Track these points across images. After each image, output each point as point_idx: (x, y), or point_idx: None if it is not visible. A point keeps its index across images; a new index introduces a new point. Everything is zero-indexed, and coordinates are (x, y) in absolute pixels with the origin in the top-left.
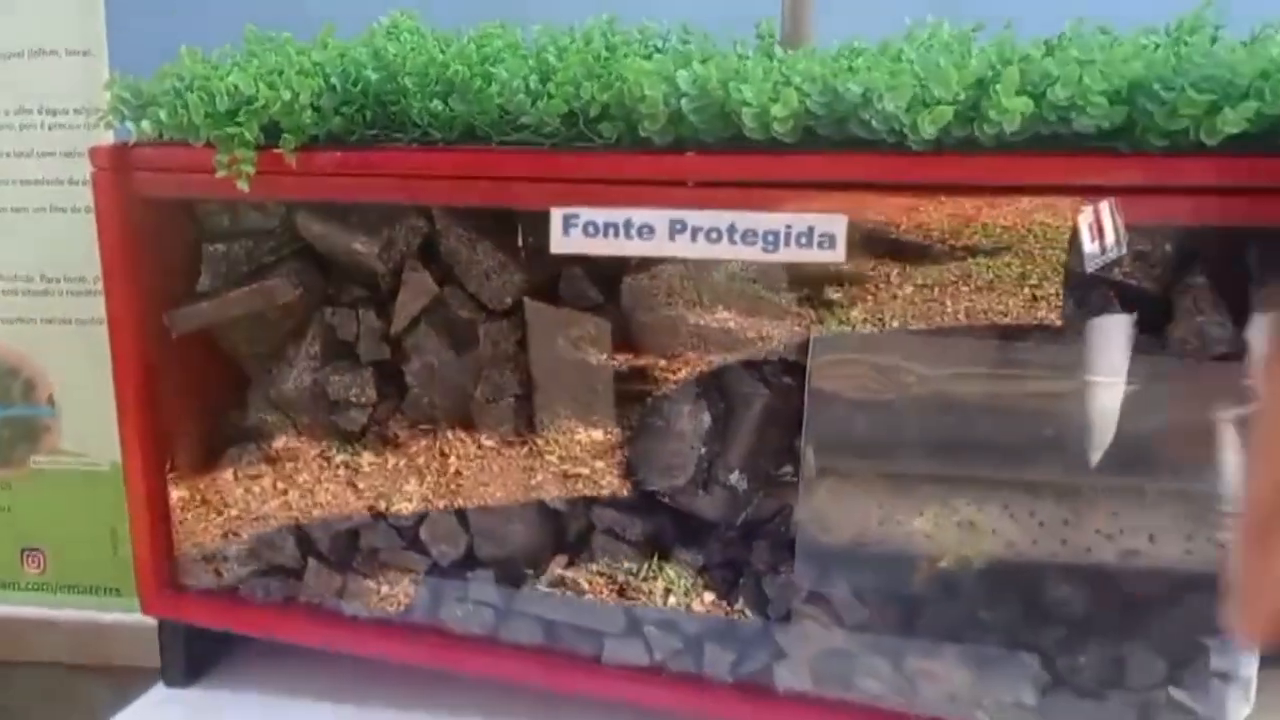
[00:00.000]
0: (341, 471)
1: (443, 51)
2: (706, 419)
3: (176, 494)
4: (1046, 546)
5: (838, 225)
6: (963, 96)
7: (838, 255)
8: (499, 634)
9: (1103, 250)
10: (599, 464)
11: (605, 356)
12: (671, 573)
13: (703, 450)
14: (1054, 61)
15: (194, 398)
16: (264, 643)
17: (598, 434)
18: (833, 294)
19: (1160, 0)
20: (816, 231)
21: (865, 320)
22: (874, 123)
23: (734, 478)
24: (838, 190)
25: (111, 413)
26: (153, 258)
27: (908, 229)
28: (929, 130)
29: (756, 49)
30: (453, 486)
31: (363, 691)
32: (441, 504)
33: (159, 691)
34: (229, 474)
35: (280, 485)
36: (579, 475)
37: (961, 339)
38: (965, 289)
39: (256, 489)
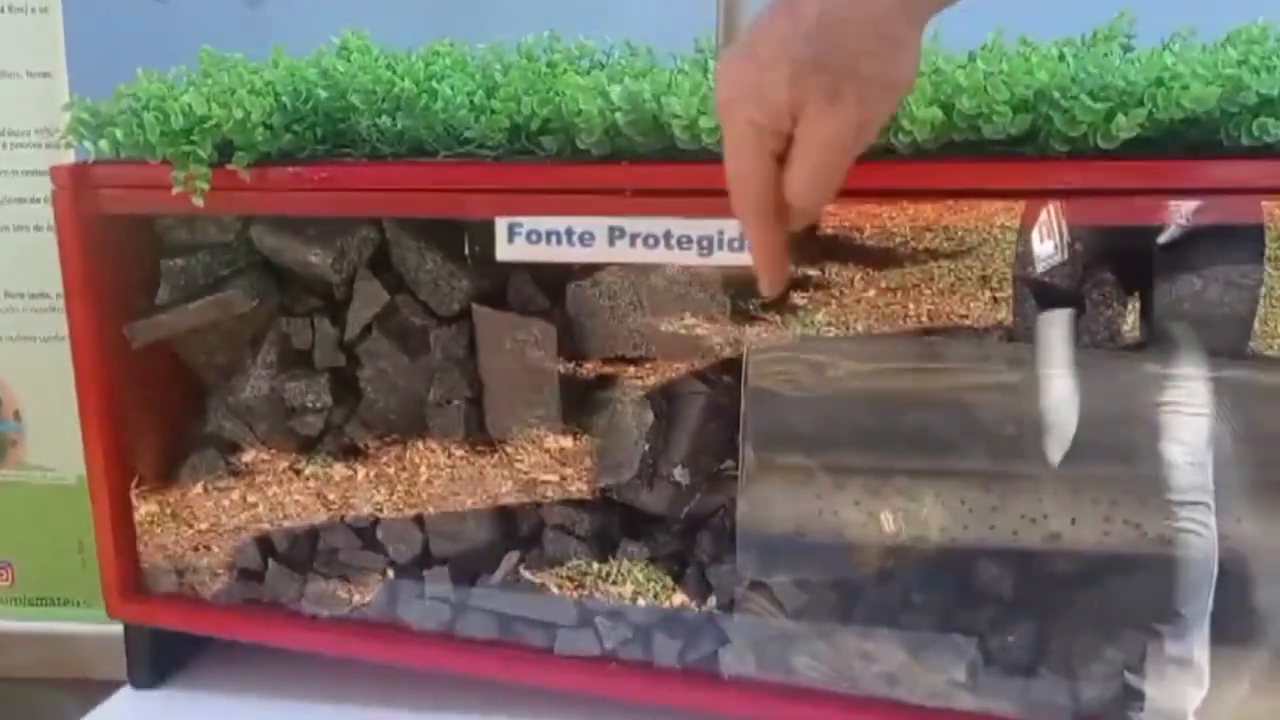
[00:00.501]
0: (311, 483)
1: (391, 69)
2: (650, 417)
3: (145, 508)
4: (976, 532)
5: None
6: None
7: None
8: (455, 629)
9: (1053, 251)
10: (550, 463)
11: (551, 359)
12: (627, 565)
13: (647, 447)
14: (963, 73)
15: (155, 407)
16: (229, 644)
17: (547, 435)
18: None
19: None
20: None
21: (812, 321)
22: None
23: (678, 473)
24: None
25: (77, 426)
26: (113, 273)
27: (870, 234)
28: None
29: (693, 63)
30: (423, 496)
31: (324, 688)
32: (410, 513)
33: (126, 693)
34: (198, 489)
35: (250, 499)
36: (533, 476)
37: (890, 337)
38: (927, 291)
39: (225, 503)
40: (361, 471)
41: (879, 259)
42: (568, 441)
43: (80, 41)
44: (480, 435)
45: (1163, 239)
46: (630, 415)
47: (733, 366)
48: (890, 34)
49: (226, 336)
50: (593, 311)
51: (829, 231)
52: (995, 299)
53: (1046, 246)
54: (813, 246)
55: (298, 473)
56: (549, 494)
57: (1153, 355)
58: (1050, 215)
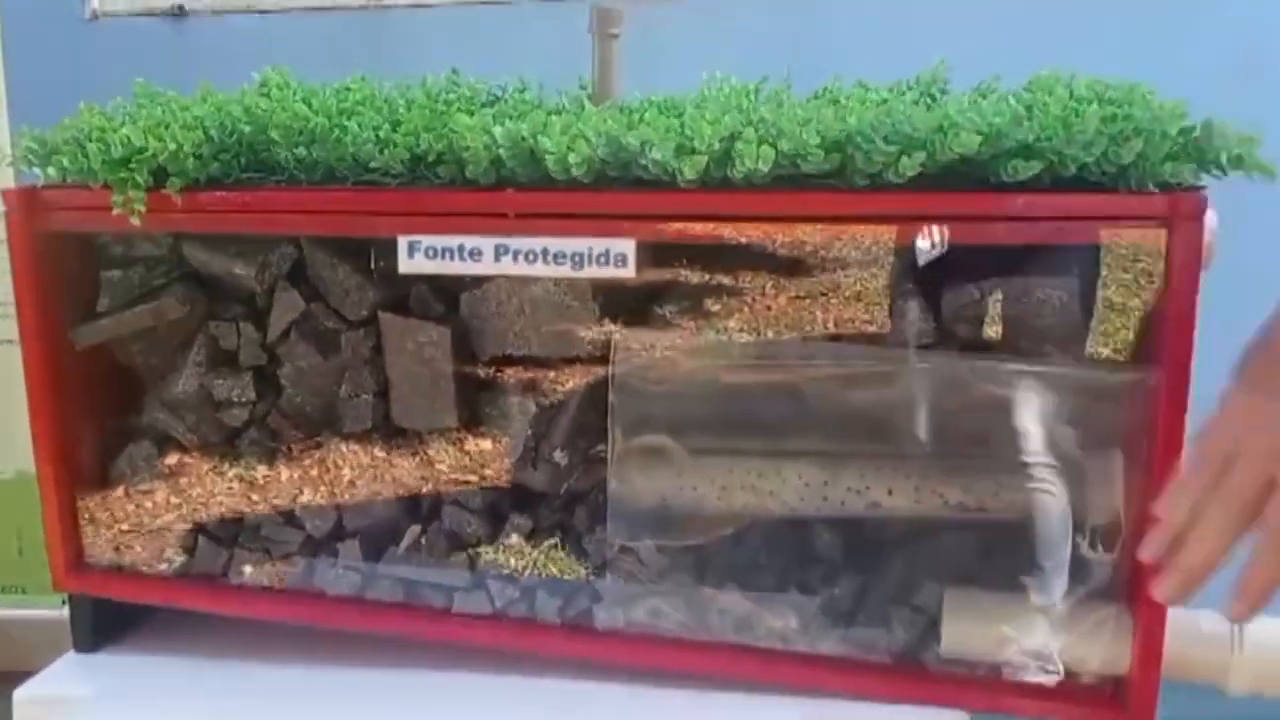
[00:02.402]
0: (235, 484)
1: (307, 104)
2: (532, 407)
3: (86, 492)
4: (811, 503)
5: (628, 247)
6: (716, 147)
7: (629, 271)
8: (365, 593)
9: (931, 247)
10: (448, 448)
11: (447, 358)
12: (514, 535)
13: (530, 434)
14: (785, 119)
15: (96, 403)
16: (164, 611)
17: (446, 426)
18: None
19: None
20: (612, 252)
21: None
22: (650, 167)
23: (557, 455)
24: (626, 220)
25: (13, 427)
26: (58, 284)
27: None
28: (689, 174)
29: (573, 100)
30: (341, 484)
31: (249, 648)
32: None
33: (70, 657)
34: (134, 480)
35: (175, 499)
36: (431, 458)
37: (735, 337)
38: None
39: (149, 503)
40: (285, 473)
41: (788, 268)
42: (465, 432)
43: (19, 71)
44: (386, 426)
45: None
46: (516, 406)
47: (604, 363)
48: None
49: (161, 340)
50: (484, 317)
51: (741, 241)
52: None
53: (932, 242)
54: (724, 255)
55: (221, 475)
56: (446, 475)
57: (946, 352)
58: (929, 230)
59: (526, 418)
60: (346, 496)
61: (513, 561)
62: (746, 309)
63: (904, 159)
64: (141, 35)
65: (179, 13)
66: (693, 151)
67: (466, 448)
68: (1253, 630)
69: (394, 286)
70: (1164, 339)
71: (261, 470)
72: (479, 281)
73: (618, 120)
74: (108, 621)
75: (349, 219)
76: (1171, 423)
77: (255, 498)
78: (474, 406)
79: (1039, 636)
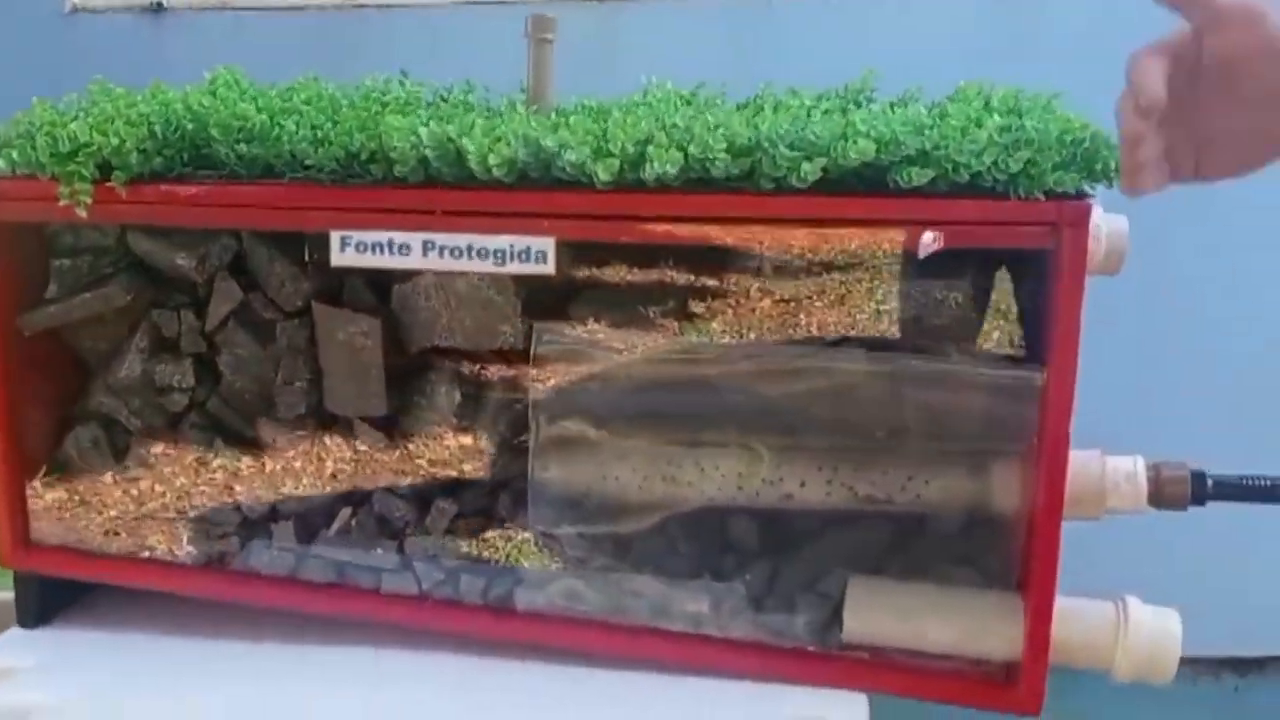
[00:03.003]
0: (219, 475)
1: (254, 102)
2: (458, 396)
3: (35, 475)
4: (727, 493)
5: (548, 245)
6: (631, 150)
7: (549, 268)
8: (298, 573)
9: (932, 240)
10: (378, 435)
11: (377, 348)
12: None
13: (454, 421)
14: (698, 125)
15: (45, 386)
16: (106, 588)
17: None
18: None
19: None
20: (533, 250)
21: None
22: (568, 169)
23: (482, 442)
24: (545, 218)
25: None
26: (9, 271)
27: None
28: (603, 176)
29: (509, 105)
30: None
31: (184, 624)
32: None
33: (14, 632)
34: (76, 469)
35: (159, 488)
36: (359, 445)
37: (653, 331)
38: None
39: (96, 485)
40: (279, 469)
41: (774, 271)
42: (390, 417)
43: None
44: (320, 413)
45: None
46: (442, 395)
47: (526, 355)
48: None
49: (106, 326)
50: (413, 309)
51: (727, 243)
52: (879, 311)
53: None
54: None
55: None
56: (376, 464)
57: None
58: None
59: (451, 406)
60: (282, 482)
61: (437, 545)
62: (785, 312)
63: (805, 164)
64: (120, 30)
65: (157, 8)
66: (608, 154)
67: (394, 435)
68: (1136, 618)
69: (329, 278)
70: (1051, 340)
71: (202, 454)
72: (410, 275)
73: (541, 124)
74: (53, 599)
75: (284, 214)
76: (1057, 421)
77: (198, 481)
78: (401, 396)
79: (937, 623)
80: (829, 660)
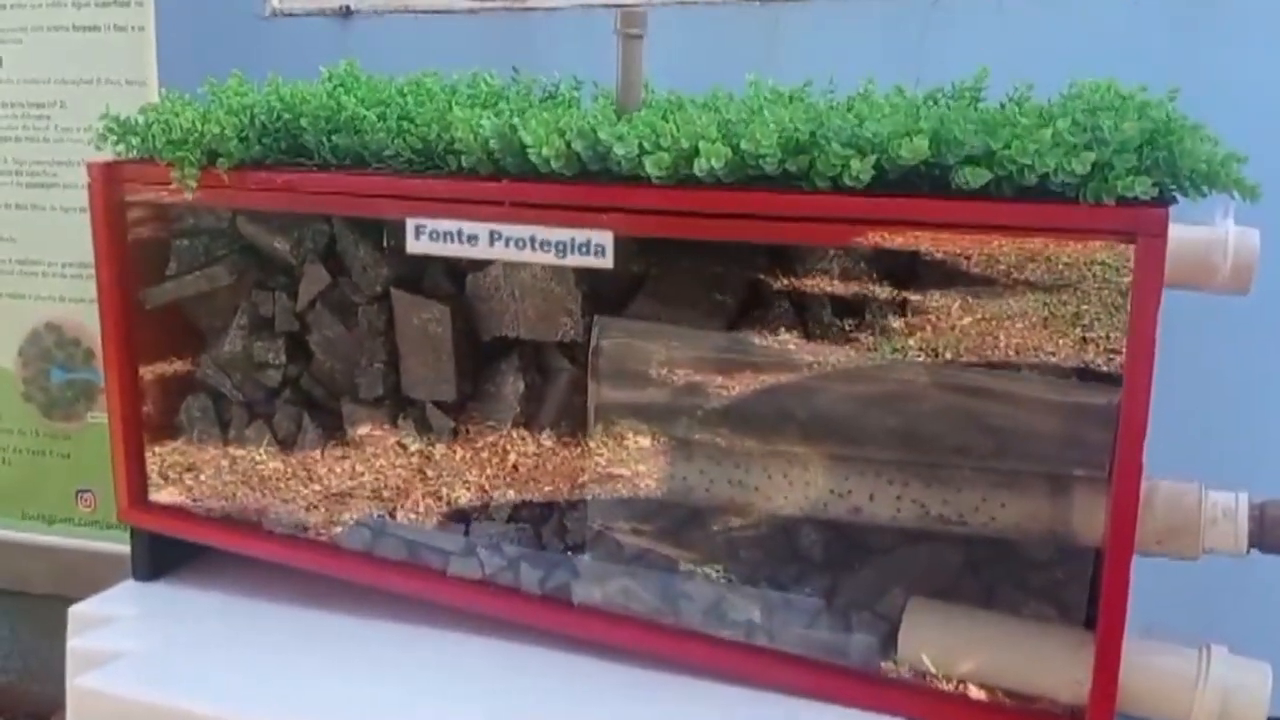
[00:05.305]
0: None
1: (356, 96)
2: (522, 386)
3: (152, 440)
4: (795, 502)
5: (606, 239)
6: (685, 145)
7: (607, 262)
8: (374, 549)
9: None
10: (447, 419)
11: (449, 335)
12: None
13: (518, 410)
14: (756, 122)
15: (168, 357)
16: (224, 553)
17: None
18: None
19: None
20: (592, 243)
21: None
22: (622, 164)
23: (544, 436)
24: (603, 211)
25: None
26: (134, 249)
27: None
28: (652, 170)
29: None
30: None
31: (278, 590)
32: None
33: (128, 584)
34: (189, 435)
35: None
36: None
37: (718, 332)
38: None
39: (212, 449)
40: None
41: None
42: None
43: (171, 55)
44: (396, 396)
45: None
46: (509, 385)
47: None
48: None
49: (217, 304)
50: (485, 298)
51: (936, 257)
52: (1084, 338)
53: None
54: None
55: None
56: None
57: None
58: None
59: (517, 395)
60: (361, 460)
61: (501, 531)
62: (985, 332)
63: (855, 162)
64: (313, 32)
65: (346, 13)
66: (658, 149)
67: (463, 420)
68: (1219, 670)
69: (412, 266)
70: (1125, 360)
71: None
72: (482, 264)
73: (599, 117)
74: (166, 556)
75: (363, 201)
76: (1130, 445)
77: (286, 457)
78: (470, 382)
79: (997, 656)
80: (878, 684)
